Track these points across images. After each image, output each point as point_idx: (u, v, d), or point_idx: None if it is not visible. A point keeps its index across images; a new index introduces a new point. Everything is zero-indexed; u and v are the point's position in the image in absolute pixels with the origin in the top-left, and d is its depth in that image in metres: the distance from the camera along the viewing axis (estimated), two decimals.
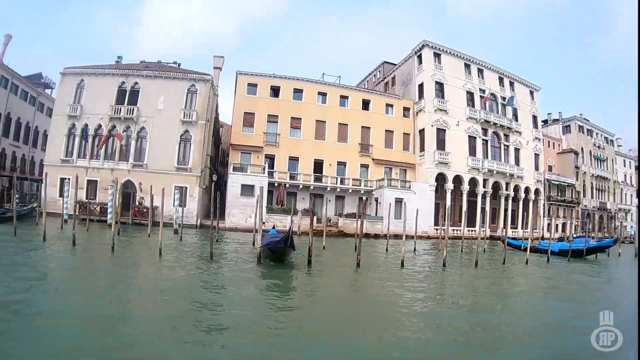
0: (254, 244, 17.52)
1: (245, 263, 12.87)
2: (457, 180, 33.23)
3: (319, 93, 31.41)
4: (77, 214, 25.39)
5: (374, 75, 39.28)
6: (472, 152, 33.88)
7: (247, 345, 5.34)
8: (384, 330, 6.20)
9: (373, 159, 31.81)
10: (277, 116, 30.36)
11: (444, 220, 32.98)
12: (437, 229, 31.43)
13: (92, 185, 28.08)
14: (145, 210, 26.49)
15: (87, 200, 27.39)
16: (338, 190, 30.51)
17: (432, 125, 32.46)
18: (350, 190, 30.72)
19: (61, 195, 27.60)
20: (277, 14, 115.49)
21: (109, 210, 25.17)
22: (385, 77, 37.10)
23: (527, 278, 14.31)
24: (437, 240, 28.07)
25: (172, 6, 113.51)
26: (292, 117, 30.55)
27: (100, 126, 28.39)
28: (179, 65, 32.19)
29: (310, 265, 12.41)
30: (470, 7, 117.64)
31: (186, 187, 27.73)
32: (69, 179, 26.67)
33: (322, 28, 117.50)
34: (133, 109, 27.98)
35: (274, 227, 23.03)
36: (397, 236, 24.83)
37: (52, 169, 28.03)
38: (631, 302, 7.91)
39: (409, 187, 31.10)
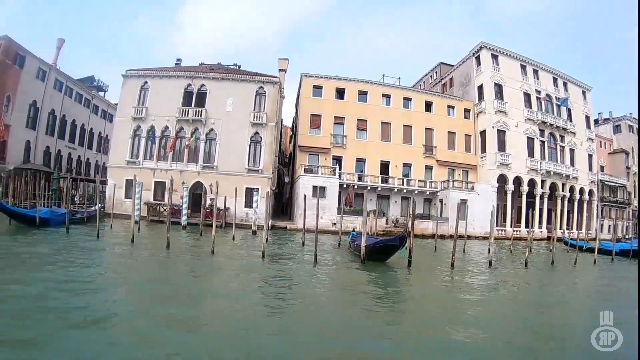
0: (339, 245, 18.64)
1: (348, 264, 12.98)
2: (516, 181, 33.01)
3: (383, 95, 31.19)
4: (153, 216, 24.70)
5: (431, 77, 39.26)
6: (531, 153, 33.74)
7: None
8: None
9: (437, 161, 31.52)
10: (343, 118, 30.04)
11: (505, 221, 32.85)
12: (499, 230, 31.28)
13: (160, 186, 27.37)
14: (218, 211, 25.87)
15: (155, 202, 26.79)
16: (404, 191, 30.08)
17: (492, 127, 32.32)
18: (416, 192, 30.30)
19: (127, 196, 26.97)
20: (318, 14, 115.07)
21: (183, 212, 24.71)
22: (442, 78, 37.07)
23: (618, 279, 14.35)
24: (501, 240, 28.04)
25: (211, 11, 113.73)
26: (358, 119, 30.26)
27: (167, 128, 27.83)
28: (239, 67, 31.84)
29: (410, 266, 12.33)
30: (511, 3, 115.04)
31: (257, 189, 27.11)
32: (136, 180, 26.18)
33: (362, 28, 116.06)
34: (201, 111, 27.47)
35: (354, 230, 22.74)
36: (460, 237, 25.23)
37: (116, 171, 27.47)
38: (631, 302, 7.83)
39: (473, 189, 30.80)
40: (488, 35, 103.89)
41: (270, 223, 27.57)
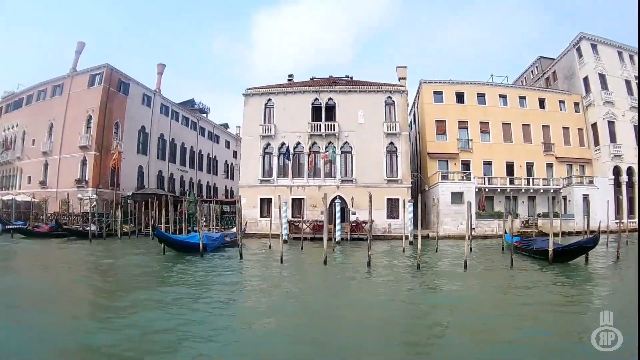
0: (503, 249, 18.16)
1: (534, 266, 13.03)
2: (628, 171, 33.00)
3: (500, 95, 30.97)
4: (294, 233, 23.87)
5: (532, 72, 39.06)
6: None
7: None
8: None
9: (556, 157, 31.37)
10: (466, 122, 29.79)
11: (619, 214, 32.81)
12: (617, 223, 31.24)
13: (296, 203, 26.83)
14: (363, 224, 25.44)
15: (294, 219, 26.22)
16: (531, 190, 29.89)
17: (603, 119, 32.26)
18: (541, 190, 30.13)
19: (263, 215, 26.39)
20: (389, 19, 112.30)
21: (337, 227, 24.20)
22: (544, 73, 36.90)
23: None
24: (619, 233, 27.98)
25: (282, 29, 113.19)
26: (480, 122, 30.00)
27: (298, 144, 27.32)
28: (351, 78, 31.38)
29: (587, 262, 12.84)
30: None
31: (397, 199, 26.72)
32: (271, 198, 25.63)
33: (435, 27, 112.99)
34: (333, 125, 27.00)
35: (506, 232, 22.67)
36: (578, 232, 25.78)
37: (249, 190, 26.89)
38: (631, 302, 7.72)
39: (592, 183, 30.76)
40: (559, 23, 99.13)
41: (412, 232, 27.38)
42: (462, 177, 27.85)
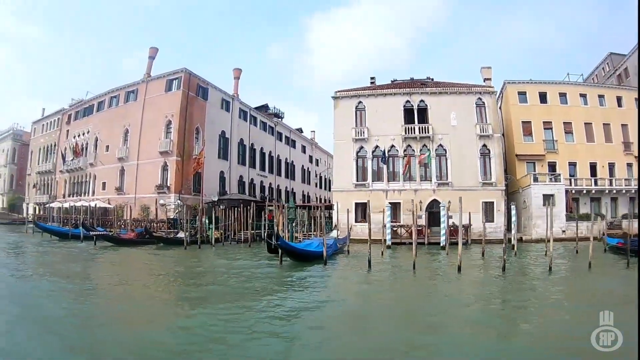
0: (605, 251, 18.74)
1: None
2: None
3: (580, 95, 30.96)
4: (393, 238, 23.64)
5: (602, 69, 39.06)
6: None
7: None
8: None
9: (635, 157, 31.45)
10: (551, 122, 29.78)
11: None
12: None
13: (393, 207, 26.65)
14: (463, 228, 25.33)
15: (393, 223, 26.04)
16: (614, 192, 30.00)
17: None
18: (623, 191, 30.25)
19: (358, 220, 26.25)
20: (444, 19, 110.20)
21: (442, 232, 24.07)
22: (616, 69, 36.88)
23: None
24: None
25: (337, 33, 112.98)
26: (563, 122, 30.00)
27: (392, 147, 27.13)
28: (432, 79, 31.20)
29: None
30: None
31: (492, 202, 26.67)
32: (366, 203, 25.43)
33: (489, 25, 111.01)
34: (427, 128, 26.86)
35: (606, 235, 22.93)
36: None
37: (342, 195, 26.72)
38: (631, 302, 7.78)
39: None
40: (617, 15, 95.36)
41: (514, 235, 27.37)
42: (551, 178, 27.88)
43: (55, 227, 27.82)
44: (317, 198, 39.86)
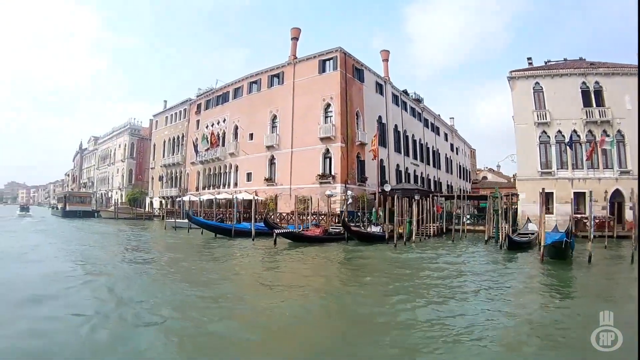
0: None
1: None
2: None
3: None
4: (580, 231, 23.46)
5: None
6: None
7: None
8: None
9: None
10: None
11: None
12: None
13: (577, 198, 26.51)
14: None
15: (578, 214, 25.96)
16: None
17: None
18: None
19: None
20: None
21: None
22: None
23: None
24: None
25: (436, 20, 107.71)
26: None
27: (574, 131, 26.81)
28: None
29: None
30: None
31: None
32: (552, 193, 25.27)
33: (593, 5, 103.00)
34: (606, 111, 26.72)
35: None
36: None
37: (527, 184, 26.35)
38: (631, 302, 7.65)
39: None
40: None
41: None
42: None
43: (221, 223, 25.54)
44: (459, 189, 38.92)
